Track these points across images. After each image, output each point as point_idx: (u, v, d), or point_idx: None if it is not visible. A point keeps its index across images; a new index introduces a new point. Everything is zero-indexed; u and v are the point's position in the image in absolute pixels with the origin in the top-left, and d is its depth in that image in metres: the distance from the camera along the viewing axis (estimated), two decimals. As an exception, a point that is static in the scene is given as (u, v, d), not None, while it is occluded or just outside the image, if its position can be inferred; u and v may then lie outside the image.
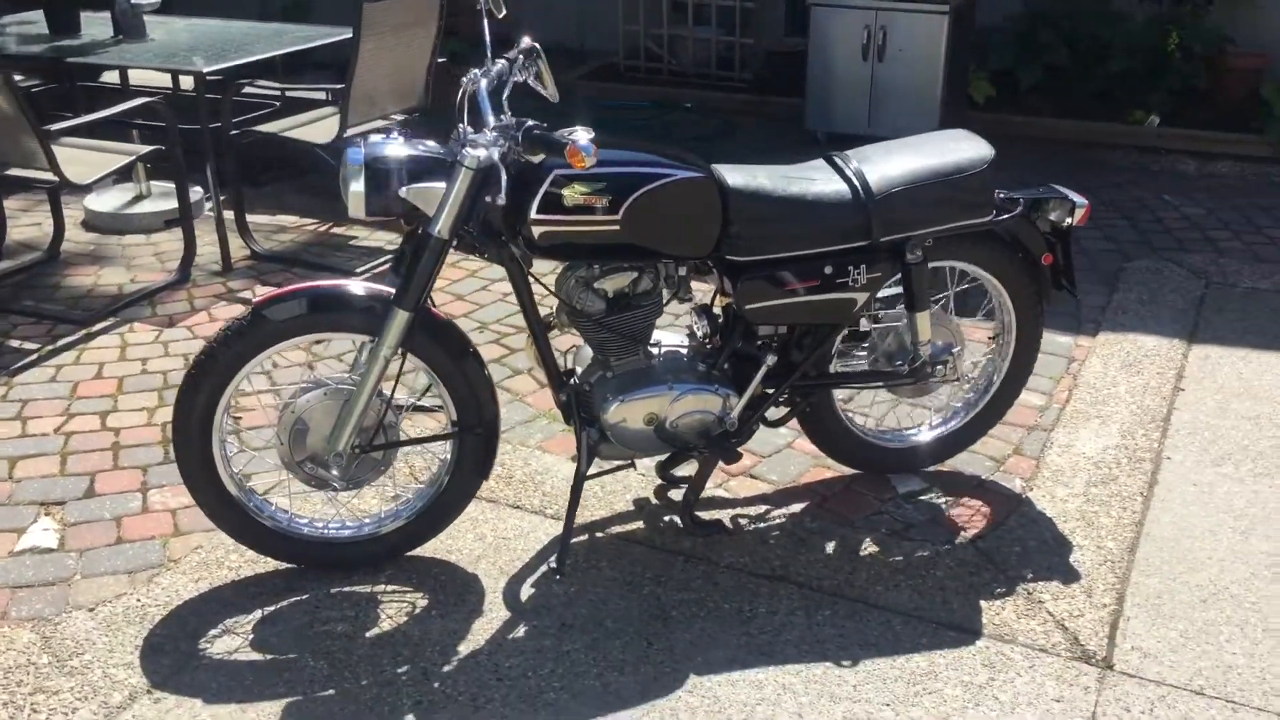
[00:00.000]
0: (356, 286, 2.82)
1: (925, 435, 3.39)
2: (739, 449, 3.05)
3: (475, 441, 2.95)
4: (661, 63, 8.03)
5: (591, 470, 3.02)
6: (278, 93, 5.36)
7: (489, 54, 2.90)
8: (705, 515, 3.22)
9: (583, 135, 2.43)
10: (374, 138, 2.74)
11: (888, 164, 2.96)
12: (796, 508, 3.32)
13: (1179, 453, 3.56)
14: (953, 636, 2.80)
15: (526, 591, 2.97)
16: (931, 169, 2.95)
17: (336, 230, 5.44)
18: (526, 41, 2.99)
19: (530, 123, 2.57)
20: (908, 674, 2.67)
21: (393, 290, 2.79)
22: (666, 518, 3.26)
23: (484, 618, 2.85)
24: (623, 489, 3.38)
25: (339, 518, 3.06)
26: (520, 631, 2.81)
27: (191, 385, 2.77)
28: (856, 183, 2.91)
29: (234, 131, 4.98)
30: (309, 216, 5.60)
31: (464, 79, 2.87)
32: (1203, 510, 3.28)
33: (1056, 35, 7.00)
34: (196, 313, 4.54)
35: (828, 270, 2.93)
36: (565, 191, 2.68)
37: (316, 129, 4.95)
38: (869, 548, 3.14)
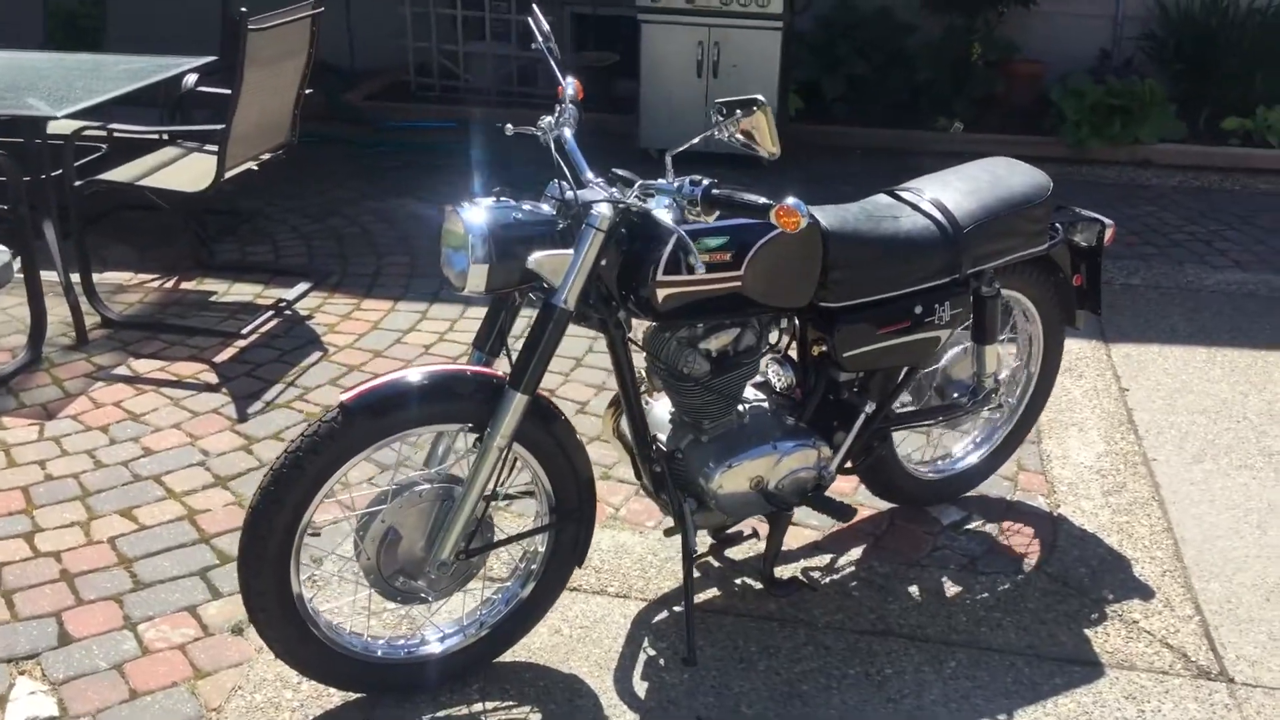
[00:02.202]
0: (460, 370, 2.46)
1: (966, 463, 3.38)
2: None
3: (573, 528, 2.65)
4: (458, 80, 7.67)
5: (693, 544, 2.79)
6: (105, 135, 4.66)
7: (571, 101, 2.63)
8: (778, 574, 3.06)
9: (789, 198, 2.19)
10: (479, 201, 2.40)
11: (962, 196, 2.91)
12: (856, 552, 3.23)
13: (1159, 453, 3.74)
14: (1079, 672, 2.79)
15: (640, 686, 2.71)
16: (1003, 200, 2.93)
17: (186, 286, 4.81)
18: (573, 86, 2.73)
19: (706, 181, 2.32)
20: (1063, 718, 2.63)
21: (492, 371, 2.47)
22: (737, 581, 3.07)
23: (616, 724, 2.58)
24: (671, 555, 3.16)
25: (417, 633, 2.67)
26: (664, 734, 2.55)
27: (271, 502, 2.33)
28: (942, 218, 2.84)
29: (77, 183, 4.28)
30: (141, 271, 4.92)
31: (538, 129, 2.59)
32: (1213, 509, 3.44)
33: (852, 47, 7.24)
34: (73, 398, 3.87)
35: (918, 310, 2.84)
36: (691, 249, 2.44)
37: (181, 175, 4.35)
38: (950, 587, 3.08)
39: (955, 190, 2.94)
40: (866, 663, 2.80)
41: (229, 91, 4.14)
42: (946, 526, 3.34)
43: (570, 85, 2.73)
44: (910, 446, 3.34)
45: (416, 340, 4.36)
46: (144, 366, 4.08)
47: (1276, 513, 3.43)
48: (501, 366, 2.59)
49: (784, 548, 3.16)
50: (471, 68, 7.68)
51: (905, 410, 3.08)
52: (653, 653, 2.81)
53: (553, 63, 2.71)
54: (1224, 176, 6.60)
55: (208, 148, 4.53)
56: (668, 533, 2.90)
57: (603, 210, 2.37)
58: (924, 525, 3.35)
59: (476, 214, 2.35)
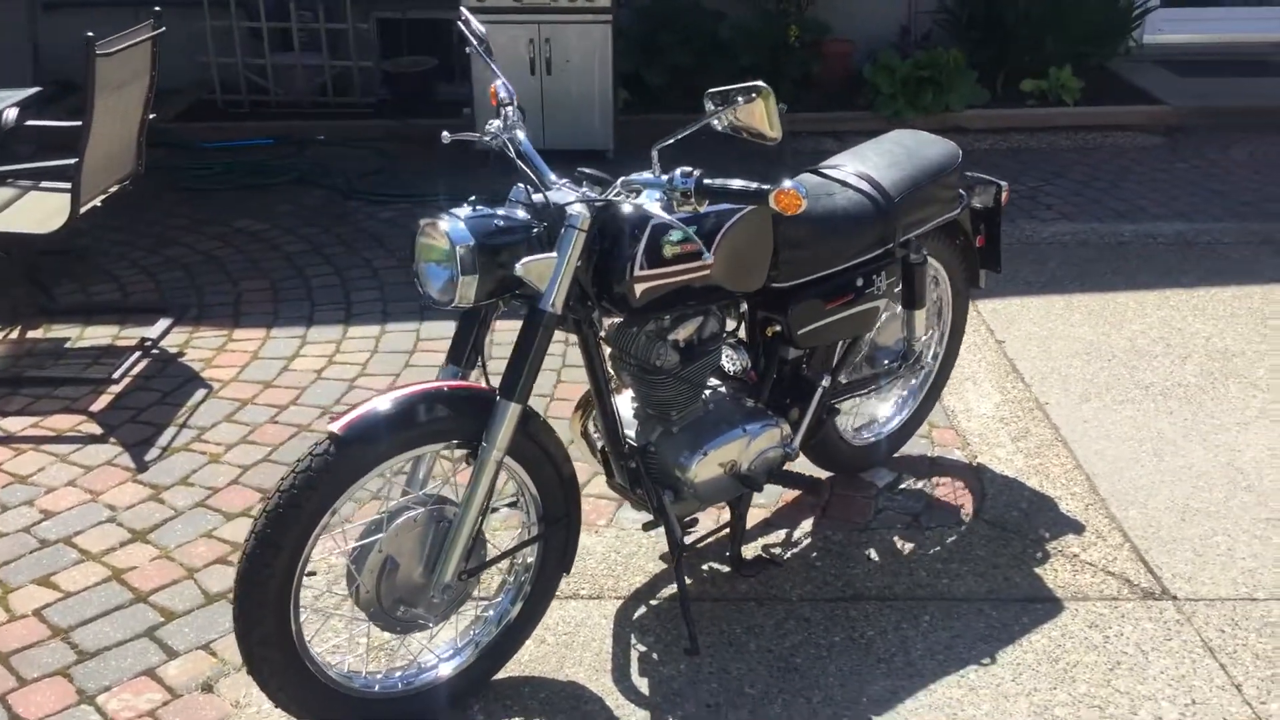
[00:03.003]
0: (449, 387, 2.38)
1: (892, 425, 3.50)
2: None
3: (559, 534, 2.62)
4: (269, 95, 7.38)
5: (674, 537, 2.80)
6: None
7: (509, 103, 2.59)
8: (745, 555, 3.10)
9: (786, 181, 2.20)
10: (455, 211, 2.33)
11: (886, 169, 3.02)
12: (806, 524, 3.30)
13: (1049, 397, 3.97)
14: (1041, 609, 2.95)
15: (641, 683, 2.71)
16: (923, 169, 3.05)
17: (33, 335, 4.47)
18: (504, 91, 2.69)
19: (697, 171, 2.31)
20: (1042, 655, 2.78)
21: (479, 385, 2.41)
22: (704, 567, 3.10)
23: (630, 724, 2.57)
24: (633, 551, 3.16)
25: (413, 662, 2.58)
26: (680, 726, 2.56)
27: (268, 546, 2.21)
28: (874, 191, 2.94)
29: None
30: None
31: (487, 135, 2.54)
32: (1111, 443, 3.69)
33: (674, 36, 7.35)
34: (-57, 466, 3.54)
35: (859, 282, 2.93)
36: (664, 241, 2.45)
37: (25, 217, 4.04)
38: (904, 545, 3.20)
39: (877, 164, 3.04)
40: (848, 629, 2.88)
41: (60, 124, 3.87)
42: (883, 488, 3.46)
43: (504, 88, 2.68)
44: (842, 416, 3.43)
45: (305, 366, 4.19)
46: (16, 424, 3.77)
47: (1166, 440, 3.70)
48: (472, 378, 2.52)
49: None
50: (281, 81, 7.40)
51: (849, 381, 3.16)
52: (643, 648, 2.81)
53: (492, 66, 2.65)
54: (1029, 136, 7.03)
55: (45, 185, 4.22)
56: (646, 527, 2.89)
57: (582, 210, 2.34)
58: (861, 490, 3.45)
59: (458, 224, 2.28)
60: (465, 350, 2.48)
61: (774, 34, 7.18)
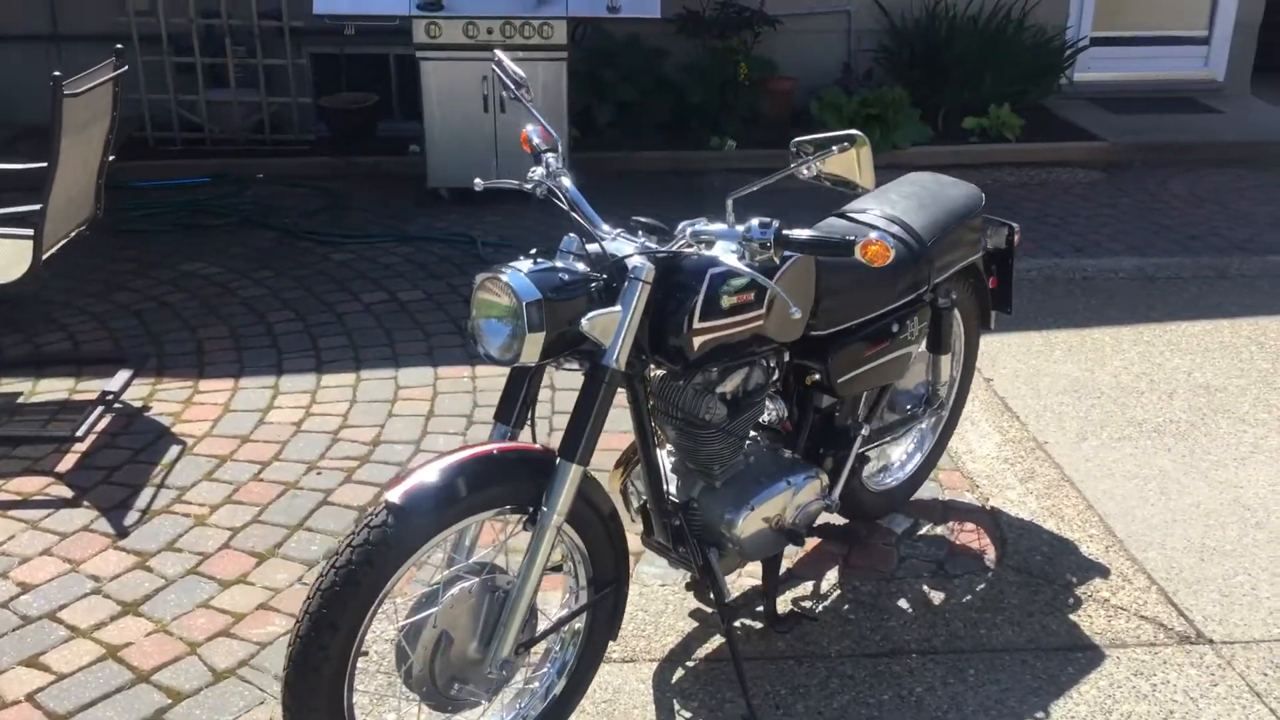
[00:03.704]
0: (503, 447, 2.25)
1: (909, 468, 3.45)
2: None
3: (609, 599, 2.49)
4: (203, 132, 7.12)
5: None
6: None
7: (547, 149, 2.48)
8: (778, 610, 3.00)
9: (870, 231, 2.13)
10: (517, 264, 2.20)
11: (915, 213, 2.97)
12: (832, 575, 3.22)
13: (1047, 436, 3.97)
14: (1083, 658, 2.90)
15: (693, 752, 2.58)
16: (949, 212, 3.01)
17: (-21, 388, 4.19)
18: (537, 138, 2.58)
19: (776, 222, 2.21)
20: (1095, 707, 2.73)
21: (535, 446, 2.28)
22: (737, 624, 2.99)
23: (694, 798, 2.44)
24: (661, 609, 3.04)
25: (460, 742, 2.42)
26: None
27: (325, 627, 2.05)
28: (907, 235, 2.88)
29: None
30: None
31: (529, 183, 2.42)
32: (1116, 482, 3.69)
33: (617, 73, 7.29)
34: (-101, 537, 3.27)
35: (894, 328, 2.87)
36: (721, 292, 2.35)
37: (-19, 262, 3.78)
38: (934, 595, 3.14)
39: (906, 208, 2.99)
40: (895, 685, 2.79)
41: (19, 166, 3.65)
42: (901, 535, 3.40)
43: (535, 133, 2.56)
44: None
45: (282, 418, 3.98)
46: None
47: (1170, 478, 3.71)
48: (522, 438, 2.39)
49: (756, 582, 3.11)
50: (215, 118, 7.15)
51: (878, 428, 3.10)
52: (689, 714, 2.69)
53: (531, 110, 2.53)
54: (975, 172, 7.09)
55: (2, 231, 3.96)
56: (689, 586, 2.78)
57: (645, 263, 2.23)
58: (881, 538, 3.38)
59: (522, 278, 2.15)
60: (515, 408, 2.35)
61: (724, 71, 7.17)
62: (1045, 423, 4.05)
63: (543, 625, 2.39)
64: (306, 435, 3.88)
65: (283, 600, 3.05)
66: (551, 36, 6.14)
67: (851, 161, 2.13)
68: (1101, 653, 2.91)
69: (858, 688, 2.78)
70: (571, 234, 2.33)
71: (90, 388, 4.15)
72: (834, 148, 2.13)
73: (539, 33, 6.11)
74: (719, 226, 2.29)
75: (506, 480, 2.21)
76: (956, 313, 3.35)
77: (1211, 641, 2.96)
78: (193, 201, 6.25)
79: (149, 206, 6.14)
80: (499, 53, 2.69)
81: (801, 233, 2.20)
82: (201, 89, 7.03)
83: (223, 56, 7.02)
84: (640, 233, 2.37)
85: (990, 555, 3.31)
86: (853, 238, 2.12)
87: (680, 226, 2.36)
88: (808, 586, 3.16)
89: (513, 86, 2.58)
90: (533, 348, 2.15)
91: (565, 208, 2.42)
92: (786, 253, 2.38)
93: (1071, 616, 3.05)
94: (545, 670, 2.52)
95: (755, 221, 2.22)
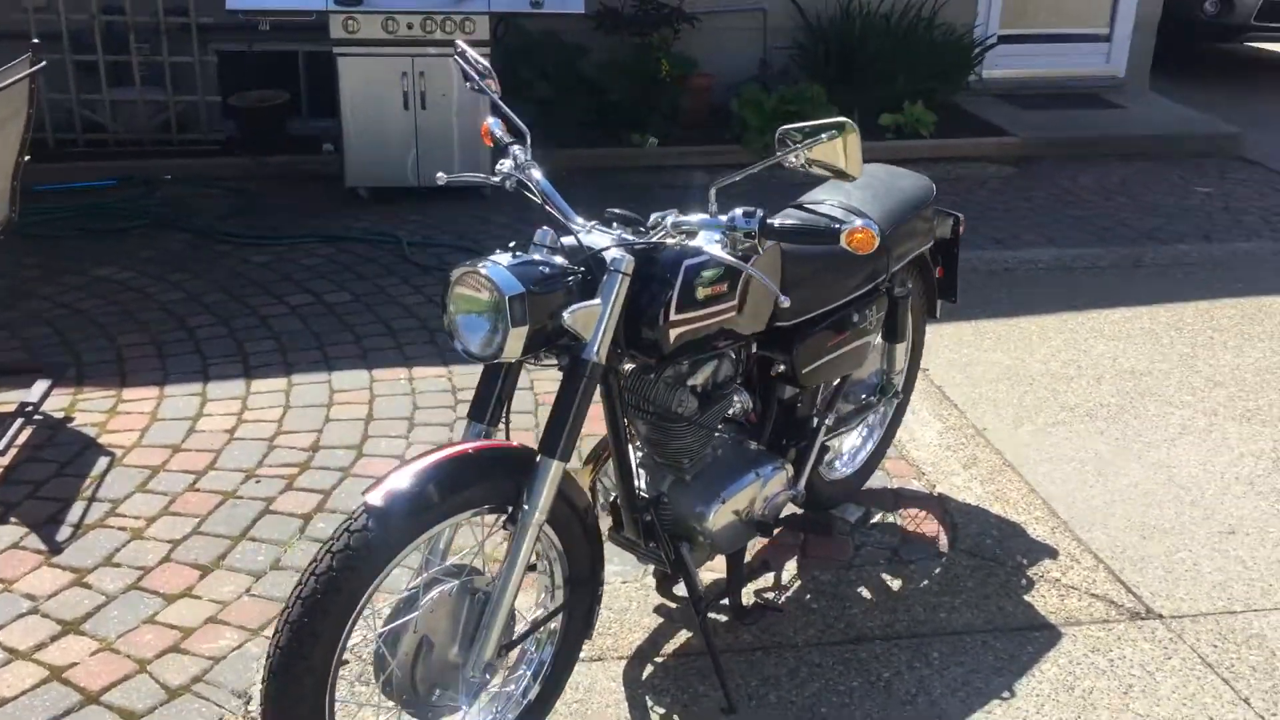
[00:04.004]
0: (484, 445, 2.19)
1: (860, 458, 3.47)
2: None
3: (585, 596, 2.46)
4: (107, 133, 6.88)
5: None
6: None
7: (512, 141, 2.43)
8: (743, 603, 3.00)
9: (851, 216, 2.12)
10: (496, 257, 2.15)
11: (871, 203, 2.99)
12: (791, 566, 3.23)
13: (985, 422, 4.04)
14: (1041, 637, 2.95)
15: (670, 748, 2.56)
16: (904, 203, 3.04)
17: (-115, 401, 3.98)
18: (498, 130, 2.54)
19: (759, 211, 2.19)
20: (1058, 684, 2.78)
21: (515, 443, 2.24)
22: (711, 617, 2.98)
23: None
24: (625, 606, 3.02)
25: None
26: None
27: (306, 636, 1.98)
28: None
29: None
30: None
31: (497, 176, 2.38)
32: (1055, 466, 3.76)
33: (534, 71, 7.24)
34: None
35: (855, 318, 2.89)
36: (696, 284, 2.34)
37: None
38: (892, 581, 3.16)
39: (861, 198, 3.00)
40: (863, 672, 2.81)
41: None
42: (855, 524, 3.42)
43: (497, 125, 2.52)
44: (815, 453, 3.38)
45: (214, 426, 3.86)
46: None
47: (1105, 460, 3.80)
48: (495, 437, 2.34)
49: (719, 575, 3.10)
50: (120, 118, 6.91)
51: (837, 418, 3.11)
52: (663, 710, 2.67)
53: (496, 100, 2.49)
54: (892, 167, 7.20)
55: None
56: (660, 581, 2.75)
57: (625, 255, 2.20)
58: (835, 527, 3.40)
59: (503, 272, 2.10)
60: (489, 406, 2.29)
61: (645, 68, 7.16)
62: (982, 410, 4.12)
63: (520, 627, 2.35)
64: (241, 443, 3.76)
65: (232, 613, 2.95)
66: (474, 32, 6.07)
67: (839, 149, 2.12)
68: (1058, 631, 2.97)
69: (827, 676, 2.79)
70: (545, 227, 2.29)
71: (7, 399, 3.97)
72: (824, 135, 2.11)
73: (460, 28, 6.03)
74: (699, 216, 2.27)
75: (485, 479, 2.16)
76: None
77: (1161, 616, 3.03)
78: (98, 204, 6.03)
79: (50, 210, 5.90)
80: (460, 42, 2.63)
81: (786, 221, 2.19)
82: (105, 88, 6.79)
83: (127, 54, 6.79)
84: (614, 224, 2.34)
85: (943, 540, 3.35)
86: (837, 225, 2.11)
87: (653, 218, 2.34)
88: (769, 578, 3.16)
89: (476, 77, 2.53)
90: (515, 342, 2.11)
91: (538, 200, 2.38)
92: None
93: (1026, 597, 3.10)
94: (520, 672, 2.47)
95: (739, 211, 2.20)
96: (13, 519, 3.30)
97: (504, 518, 2.22)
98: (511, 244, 2.20)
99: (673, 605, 3.01)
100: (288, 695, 1.99)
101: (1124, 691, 2.75)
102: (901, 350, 3.20)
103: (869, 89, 7.56)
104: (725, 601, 2.90)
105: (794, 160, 2.16)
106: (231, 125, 7.08)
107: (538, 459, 2.19)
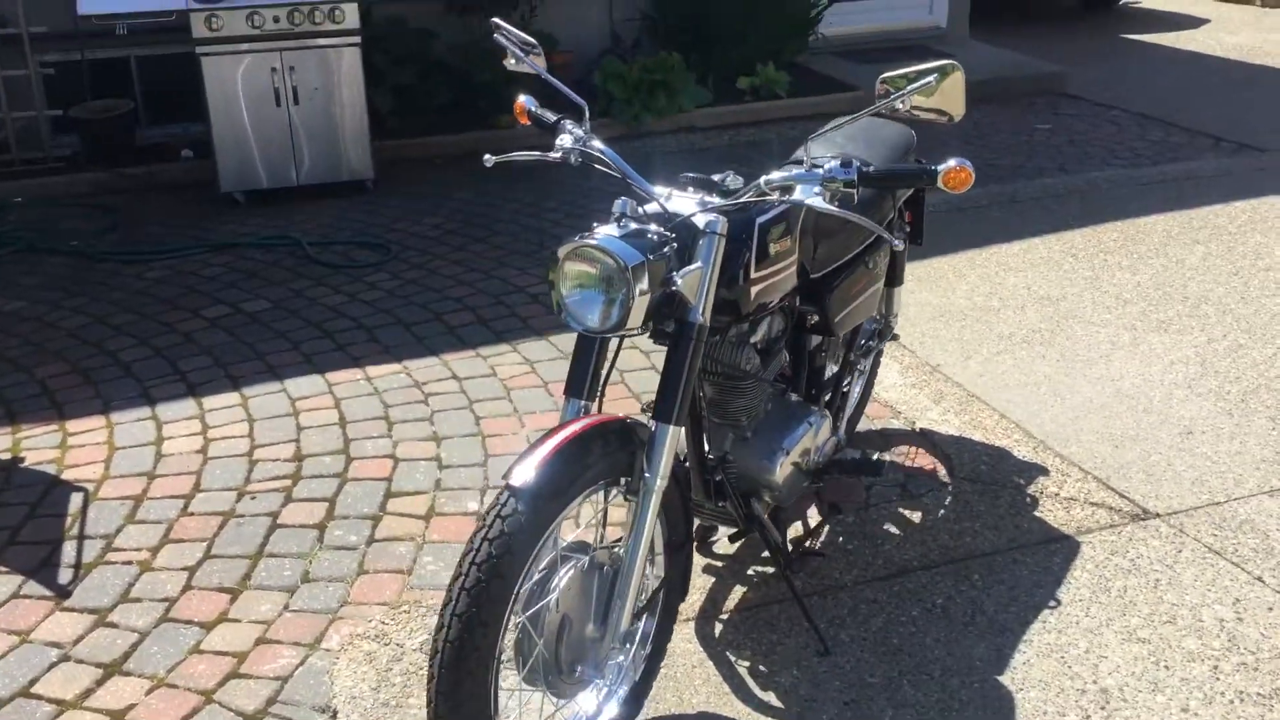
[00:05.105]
0: (599, 420, 2.18)
1: (852, 401, 3.57)
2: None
3: (679, 561, 2.49)
4: (-63, 157, 6.38)
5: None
6: None
7: (562, 119, 2.44)
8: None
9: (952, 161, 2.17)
10: (605, 229, 2.14)
11: (865, 152, 3.08)
12: (813, 514, 3.32)
13: (936, 359, 4.24)
14: (1061, 547, 3.15)
15: (770, 698, 2.64)
16: (894, 150, 3.15)
17: None
18: (533, 105, 2.54)
19: (856, 161, 2.24)
20: (1096, 587, 2.98)
21: (626, 415, 2.25)
22: (750, 572, 3.05)
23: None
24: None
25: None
26: (842, 728, 2.52)
27: (476, 626, 1.96)
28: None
29: None
30: None
31: (557, 152, 2.37)
32: (1014, 392, 3.99)
33: (387, 58, 7.08)
34: None
35: (870, 264, 2.99)
36: (769, 240, 2.39)
37: None
38: (911, 515, 3.31)
39: (854, 149, 3.09)
40: (918, 601, 2.93)
41: None
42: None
43: (531, 103, 2.51)
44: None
45: (182, 448, 3.67)
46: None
47: (1055, 381, 4.05)
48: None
49: (733, 530, 3.14)
50: (-50, 141, 6.41)
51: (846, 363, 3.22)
52: (747, 663, 2.73)
53: (550, 78, 2.46)
54: (757, 129, 7.40)
55: None
56: (733, 539, 2.80)
57: (715, 217, 2.23)
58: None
59: (622, 244, 2.10)
60: (586, 381, 2.29)
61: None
62: (930, 348, 4.32)
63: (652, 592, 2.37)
64: (219, 461, 3.60)
65: (280, 630, 2.85)
66: (343, 21, 5.91)
67: (944, 92, 2.19)
68: (1075, 540, 3.17)
69: (887, 610, 2.90)
70: (624, 197, 2.29)
71: (-64, 446, 3.68)
72: (932, 77, 2.17)
73: (330, 17, 5.86)
74: (792, 171, 2.31)
75: (608, 453, 2.16)
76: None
77: (1159, 515, 3.28)
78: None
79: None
80: (496, 20, 2.58)
81: (883, 169, 2.26)
82: (-70, 108, 6.28)
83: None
84: (689, 188, 2.36)
85: (941, 471, 3.51)
86: (934, 168, 2.19)
87: (723, 178, 2.36)
88: (796, 528, 3.25)
89: (521, 53, 2.50)
90: (639, 312, 2.11)
91: (615, 172, 2.37)
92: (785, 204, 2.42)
93: (1036, 514, 3.29)
94: (630, 643, 2.48)
95: (835, 163, 2.25)
96: (2, 568, 3.07)
97: (621, 490, 2.23)
98: (616, 214, 2.19)
99: (718, 564, 3.06)
100: (462, 688, 1.96)
101: (1153, 586, 2.97)
102: (898, 293, 3.33)
103: (722, 53, 7.72)
104: (765, 555, 2.97)
105: (900, 105, 2.22)
106: (75, 139, 6.66)
107: (653, 425, 2.21)
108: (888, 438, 3.71)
